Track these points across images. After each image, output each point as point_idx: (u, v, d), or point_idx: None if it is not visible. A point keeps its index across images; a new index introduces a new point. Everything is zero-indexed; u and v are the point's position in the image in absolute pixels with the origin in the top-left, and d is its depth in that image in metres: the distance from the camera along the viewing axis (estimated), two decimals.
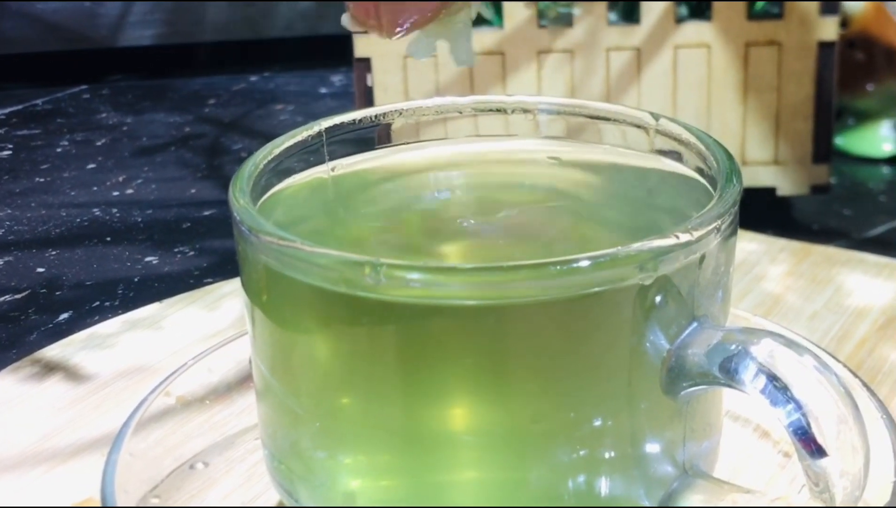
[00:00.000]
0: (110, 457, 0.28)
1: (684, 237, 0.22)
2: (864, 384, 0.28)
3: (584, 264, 0.22)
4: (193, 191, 0.57)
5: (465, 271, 0.22)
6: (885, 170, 0.56)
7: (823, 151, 0.47)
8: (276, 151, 0.27)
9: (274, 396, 0.26)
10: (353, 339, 0.23)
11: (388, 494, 0.25)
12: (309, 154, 0.28)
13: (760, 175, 0.48)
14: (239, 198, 0.25)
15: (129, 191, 0.57)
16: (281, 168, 0.28)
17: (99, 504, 0.28)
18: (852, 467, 0.22)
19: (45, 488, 0.31)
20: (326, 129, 0.28)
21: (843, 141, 0.57)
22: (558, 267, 0.22)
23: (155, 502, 0.29)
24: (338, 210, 0.29)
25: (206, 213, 0.54)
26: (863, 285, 0.40)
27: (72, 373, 0.37)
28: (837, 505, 0.22)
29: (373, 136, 0.30)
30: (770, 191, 0.48)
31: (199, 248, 0.49)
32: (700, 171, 0.27)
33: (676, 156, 0.28)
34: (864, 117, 0.57)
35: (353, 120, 0.29)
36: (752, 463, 0.30)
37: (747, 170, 0.47)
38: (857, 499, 0.22)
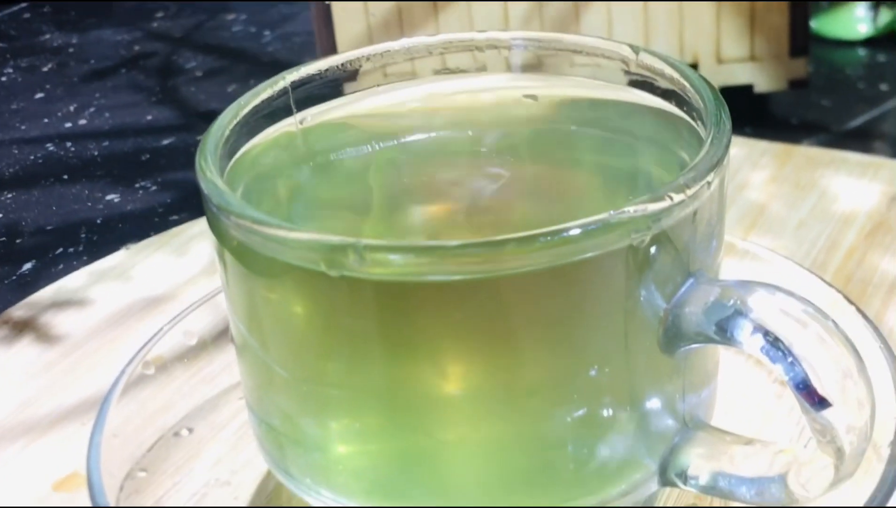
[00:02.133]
0: (93, 439, 0.27)
1: (678, 197, 0.21)
2: (862, 314, 0.28)
3: (575, 232, 0.20)
4: (149, 117, 0.55)
5: (451, 248, 0.21)
6: (862, 52, 0.55)
7: (800, 44, 0.46)
8: (243, 113, 0.26)
9: (255, 357, 0.25)
10: (335, 316, 0.22)
11: (379, 459, 0.24)
12: (275, 109, 0.27)
13: (737, 73, 0.46)
14: (206, 170, 0.23)
15: (82, 121, 0.55)
16: (247, 127, 0.26)
17: (84, 477, 0.27)
18: (858, 421, 0.21)
19: (27, 463, 0.30)
20: (291, 83, 0.27)
21: (817, 24, 0.56)
22: (548, 238, 0.20)
23: (142, 476, 0.28)
24: (309, 168, 0.27)
25: (165, 142, 0.52)
26: (847, 187, 0.39)
27: (42, 335, 0.36)
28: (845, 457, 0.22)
29: (340, 81, 0.28)
30: (747, 88, 0.47)
31: (161, 182, 0.47)
32: (682, 105, 0.26)
33: (658, 91, 0.26)
34: None
35: (319, 71, 0.27)
36: (749, 396, 0.29)
37: (723, 68, 0.46)
38: (864, 452, 0.22)
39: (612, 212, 0.21)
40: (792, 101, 0.50)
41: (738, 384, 0.30)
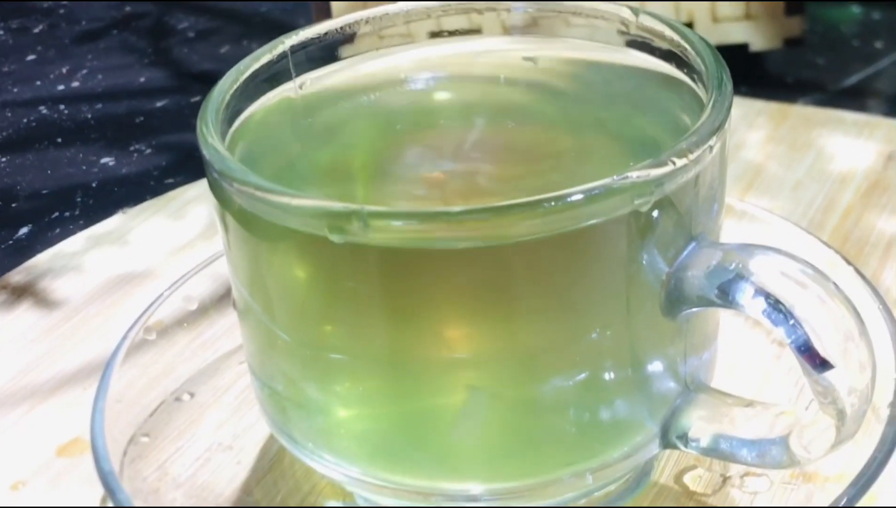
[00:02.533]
0: (96, 404, 0.27)
1: (681, 162, 0.21)
2: (860, 274, 0.28)
3: (578, 197, 0.20)
4: (142, 79, 0.54)
5: (454, 214, 0.21)
6: (857, 10, 0.55)
7: (796, 2, 0.46)
8: (242, 78, 0.25)
9: (258, 321, 0.25)
10: (339, 282, 0.22)
11: (382, 424, 0.25)
12: (274, 73, 0.27)
13: (732, 32, 0.46)
14: (207, 136, 0.23)
15: (75, 84, 0.54)
16: (247, 92, 0.26)
17: (87, 442, 0.27)
18: (860, 383, 0.22)
19: (30, 429, 0.30)
20: (291, 47, 0.26)
21: None
22: (551, 203, 0.20)
23: (145, 440, 0.28)
24: (310, 133, 0.27)
25: (159, 104, 0.51)
26: (843, 147, 0.39)
27: (41, 299, 0.36)
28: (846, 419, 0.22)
29: (338, 45, 0.28)
30: (742, 47, 0.47)
31: (156, 145, 0.47)
32: (683, 67, 0.26)
33: (658, 52, 0.26)
34: None
35: (318, 34, 0.27)
36: (748, 357, 0.30)
37: (719, 27, 0.46)
38: (865, 413, 0.22)
39: (615, 177, 0.21)
40: (787, 59, 0.50)
41: (737, 346, 0.30)
